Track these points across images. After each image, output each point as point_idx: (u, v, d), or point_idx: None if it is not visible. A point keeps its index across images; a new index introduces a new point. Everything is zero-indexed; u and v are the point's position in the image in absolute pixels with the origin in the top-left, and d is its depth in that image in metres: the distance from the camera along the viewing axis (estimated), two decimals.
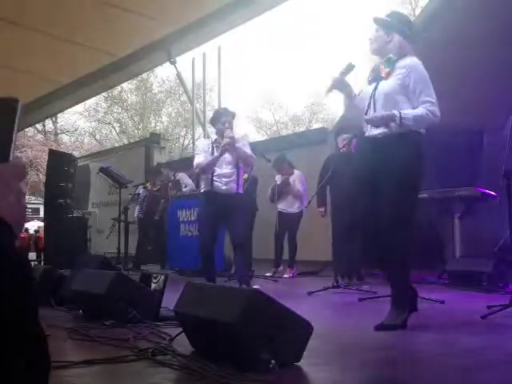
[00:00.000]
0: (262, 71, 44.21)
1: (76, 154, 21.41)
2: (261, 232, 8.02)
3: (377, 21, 3.57)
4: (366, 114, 3.49)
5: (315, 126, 31.17)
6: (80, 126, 32.14)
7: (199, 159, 5.30)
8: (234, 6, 7.13)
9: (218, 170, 5.26)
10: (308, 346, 2.43)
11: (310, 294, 5.31)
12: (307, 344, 2.42)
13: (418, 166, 3.41)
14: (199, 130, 11.99)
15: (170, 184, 9.21)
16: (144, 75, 28.10)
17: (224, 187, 5.25)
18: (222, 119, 5.29)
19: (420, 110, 3.32)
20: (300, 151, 9.61)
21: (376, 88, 3.50)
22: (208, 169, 5.22)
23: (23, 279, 0.74)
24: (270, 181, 8.01)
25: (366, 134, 3.57)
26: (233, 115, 5.36)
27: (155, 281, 3.70)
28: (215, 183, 5.25)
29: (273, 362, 2.20)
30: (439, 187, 6.56)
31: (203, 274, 5.28)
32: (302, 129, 30.80)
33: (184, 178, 9.18)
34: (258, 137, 31.33)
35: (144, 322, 3.29)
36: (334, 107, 32.82)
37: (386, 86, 3.45)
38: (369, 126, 3.52)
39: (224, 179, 5.26)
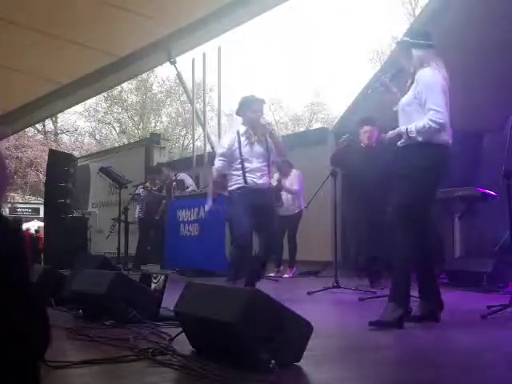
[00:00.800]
0: (262, 71, 44.23)
1: (76, 154, 21.41)
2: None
3: (398, 44, 3.91)
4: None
5: (315, 125, 31.17)
6: (80, 125, 32.20)
7: (219, 164, 5.01)
8: (233, 5, 7.12)
9: (249, 165, 4.92)
10: (308, 346, 2.43)
11: (310, 293, 5.31)
12: (307, 344, 2.42)
13: (429, 175, 3.53)
14: (199, 130, 11.98)
15: (174, 184, 9.20)
16: (144, 75, 28.13)
17: (260, 182, 4.94)
18: (253, 107, 4.94)
19: (422, 122, 3.46)
20: (300, 151, 9.61)
21: (400, 103, 3.70)
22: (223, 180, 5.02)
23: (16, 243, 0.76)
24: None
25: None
26: (263, 102, 5.04)
27: (155, 281, 3.70)
28: (249, 179, 4.91)
29: (273, 361, 2.20)
30: (439, 187, 6.56)
31: (234, 276, 4.85)
32: (302, 129, 30.80)
33: (187, 178, 9.18)
34: None
35: (144, 322, 3.29)
36: (334, 107, 32.90)
37: (404, 100, 3.65)
38: None
39: (258, 173, 4.94)
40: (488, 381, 2.26)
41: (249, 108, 4.94)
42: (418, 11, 23.03)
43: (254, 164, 4.93)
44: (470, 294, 5.23)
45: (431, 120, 3.42)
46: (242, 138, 4.95)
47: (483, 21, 7.08)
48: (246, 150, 4.95)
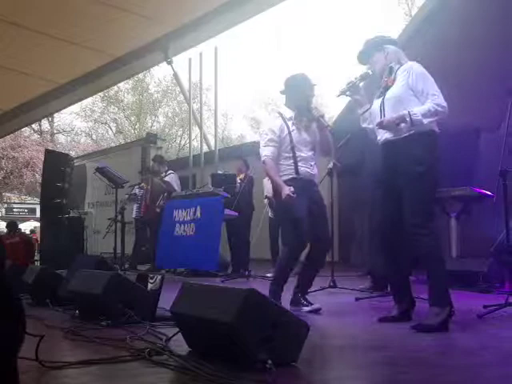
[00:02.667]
0: (259, 71, 44.26)
1: (72, 153, 21.39)
2: (259, 232, 8.04)
3: (363, 52, 3.79)
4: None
5: None
6: (76, 125, 32.16)
7: (271, 150, 4.29)
8: (230, 5, 7.12)
9: (300, 154, 4.31)
10: (305, 346, 2.43)
11: (307, 293, 5.30)
12: (304, 344, 2.43)
13: (433, 164, 3.48)
14: (196, 130, 11.99)
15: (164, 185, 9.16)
16: (140, 75, 28.15)
17: (313, 172, 4.37)
18: (306, 88, 4.38)
19: (427, 105, 3.42)
20: None
21: (384, 97, 3.64)
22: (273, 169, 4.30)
23: None
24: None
25: (378, 139, 3.69)
26: (315, 85, 4.47)
27: (152, 281, 3.70)
28: (302, 168, 4.30)
29: (269, 362, 2.20)
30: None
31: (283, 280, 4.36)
32: None
33: (173, 181, 9.09)
34: (254, 137, 31.32)
35: (140, 323, 3.29)
36: (332, 106, 32.90)
37: (393, 90, 3.59)
38: (381, 132, 3.64)
39: (310, 162, 4.35)
40: (485, 380, 2.26)
41: (300, 89, 4.36)
42: (414, 11, 23.05)
43: (305, 152, 4.33)
44: (466, 294, 5.23)
45: (435, 104, 3.40)
46: (289, 123, 4.35)
47: (479, 20, 7.11)
48: (295, 136, 4.33)
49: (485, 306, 3.93)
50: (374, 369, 2.47)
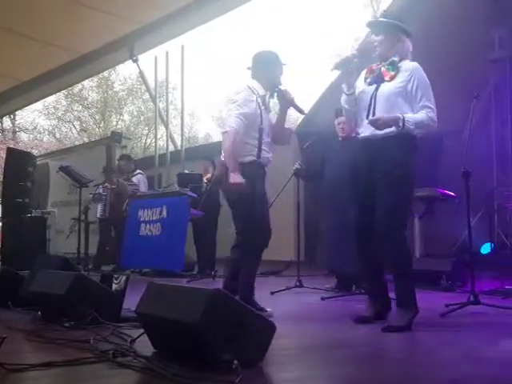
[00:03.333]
0: (225, 71, 44.12)
1: (35, 152, 20.99)
2: (224, 231, 8.00)
3: (376, 24, 3.62)
4: (367, 116, 3.49)
5: None
6: (39, 123, 31.52)
7: (239, 123, 3.84)
8: (197, 4, 7.10)
9: (265, 138, 3.96)
10: (271, 346, 2.43)
11: (272, 293, 5.32)
12: (270, 344, 2.43)
13: (412, 168, 3.48)
14: (162, 129, 11.90)
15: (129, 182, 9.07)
16: (105, 73, 27.72)
17: (271, 159, 4.04)
18: (279, 67, 4.07)
19: (421, 116, 3.38)
20: None
21: (377, 90, 3.49)
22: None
23: None
24: None
25: (361, 136, 3.59)
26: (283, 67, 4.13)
27: (116, 281, 3.65)
28: (263, 153, 3.97)
29: (235, 362, 2.19)
30: None
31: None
32: None
33: (141, 182, 9.00)
34: (221, 137, 31.21)
35: (105, 324, 3.24)
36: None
37: (388, 88, 3.46)
38: (365, 127, 3.52)
39: (270, 148, 4.04)
40: (447, 378, 2.30)
41: (271, 67, 4.03)
42: (379, 14, 23.34)
43: (267, 137, 3.99)
44: (429, 293, 5.31)
45: (430, 117, 3.39)
46: (260, 102, 3.96)
47: (443, 23, 7.23)
48: (264, 117, 3.97)
49: (447, 305, 4.00)
50: (339, 368, 2.48)
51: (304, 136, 8.89)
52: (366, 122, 3.49)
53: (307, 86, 44.35)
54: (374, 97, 3.48)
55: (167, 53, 10.25)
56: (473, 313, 3.87)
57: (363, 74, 3.64)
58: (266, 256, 8.12)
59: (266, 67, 4.03)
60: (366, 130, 3.53)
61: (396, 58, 3.48)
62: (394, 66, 3.47)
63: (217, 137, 29.32)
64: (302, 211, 6.31)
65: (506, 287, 5.10)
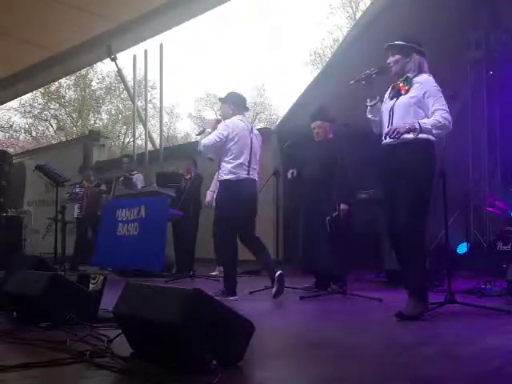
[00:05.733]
0: (204, 70, 44.03)
1: (11, 151, 20.70)
2: (204, 231, 7.98)
3: (394, 47, 3.98)
4: (387, 125, 3.87)
5: (258, 126, 31.30)
6: (15, 122, 31.10)
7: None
8: (176, 3, 7.07)
9: None
10: (250, 346, 2.42)
11: (251, 293, 5.32)
12: (249, 343, 2.42)
13: (431, 171, 3.83)
14: (140, 128, 11.83)
15: (121, 179, 9.02)
16: (83, 71, 27.45)
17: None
18: (244, 108, 5.28)
19: (436, 118, 3.70)
20: None
21: (395, 103, 3.90)
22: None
23: None
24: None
25: (383, 143, 3.94)
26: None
27: (93, 281, 3.62)
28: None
29: (214, 362, 2.18)
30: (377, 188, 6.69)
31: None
32: None
33: (139, 182, 8.99)
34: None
35: (82, 324, 3.21)
36: (277, 107, 33.14)
37: (404, 99, 3.86)
38: (385, 135, 3.89)
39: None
40: (424, 376, 2.32)
41: (240, 107, 5.16)
42: (358, 15, 23.50)
43: None
44: (406, 292, 5.35)
45: (444, 118, 3.68)
46: None
47: (423, 24, 7.29)
48: None
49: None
50: (317, 367, 2.49)
51: (284, 135, 8.91)
52: (387, 130, 3.85)
53: (286, 85, 44.50)
54: (392, 109, 3.90)
55: (146, 51, 10.19)
56: (449, 312, 3.91)
57: (389, 90, 4.06)
58: (245, 256, 8.14)
59: (239, 105, 5.21)
60: (387, 138, 3.85)
61: (410, 75, 3.90)
62: (408, 81, 3.88)
63: (196, 136, 29.22)
64: (281, 210, 6.31)
65: (482, 286, 5.17)
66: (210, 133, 5.06)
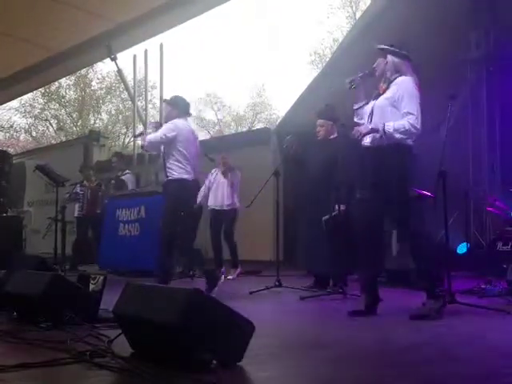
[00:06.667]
0: (205, 70, 43.99)
1: (11, 151, 20.70)
2: (204, 231, 7.97)
3: (378, 50, 4.11)
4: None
5: (258, 126, 31.29)
6: (15, 122, 31.09)
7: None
8: (176, 3, 7.06)
9: None
10: (250, 346, 2.43)
11: (251, 293, 5.32)
12: (249, 343, 2.42)
13: (404, 174, 3.90)
14: (140, 128, 11.80)
15: (112, 182, 9.02)
16: (83, 71, 27.45)
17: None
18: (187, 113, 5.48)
19: (403, 122, 3.80)
20: (243, 151, 9.63)
21: (375, 103, 4.03)
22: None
23: None
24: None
25: (364, 143, 4.03)
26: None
27: (93, 281, 3.62)
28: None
29: (214, 362, 2.18)
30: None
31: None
32: (244, 129, 30.83)
33: (129, 181, 8.97)
34: (200, 136, 31.11)
35: (82, 324, 3.21)
36: (277, 107, 33.14)
37: (381, 100, 3.98)
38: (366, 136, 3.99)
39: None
40: (424, 376, 2.32)
41: (184, 111, 5.37)
42: (358, 14, 23.49)
43: None
44: (406, 292, 5.36)
45: (411, 124, 3.78)
46: None
47: (423, 22, 7.29)
48: None
49: (424, 304, 4.03)
50: (316, 367, 2.49)
51: (283, 136, 8.90)
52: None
53: (286, 85, 44.50)
54: (372, 109, 4.02)
55: (146, 51, 10.17)
56: (449, 312, 3.91)
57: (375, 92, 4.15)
58: (245, 256, 8.16)
59: (182, 108, 5.40)
60: (366, 138, 3.99)
61: (389, 75, 4.00)
62: (387, 83, 4.00)
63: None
64: (281, 210, 6.30)
65: (482, 286, 5.17)
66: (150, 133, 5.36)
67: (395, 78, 3.96)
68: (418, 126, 3.82)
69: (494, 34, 8.02)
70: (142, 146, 5.53)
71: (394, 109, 3.87)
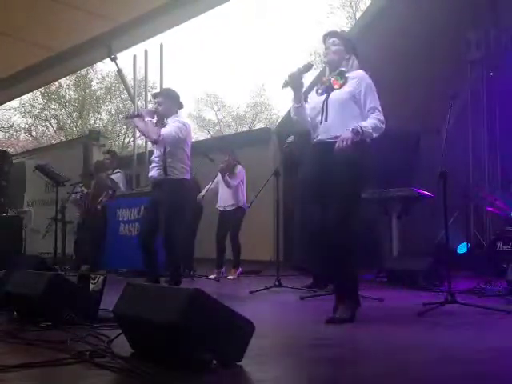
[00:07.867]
0: (205, 70, 44.01)
1: (11, 150, 20.70)
2: (204, 231, 7.98)
3: (338, 34, 3.93)
4: (320, 121, 3.75)
5: (258, 125, 31.29)
6: (15, 122, 31.10)
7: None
8: (176, 3, 7.05)
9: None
10: (250, 345, 2.42)
11: (251, 293, 5.32)
12: (249, 343, 2.42)
13: (364, 172, 3.70)
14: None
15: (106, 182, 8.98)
16: (83, 71, 27.46)
17: (150, 174, 5.22)
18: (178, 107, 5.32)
19: (372, 121, 3.63)
20: (243, 151, 9.62)
21: (327, 97, 3.75)
22: None
23: None
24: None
25: (316, 140, 3.79)
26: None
27: (94, 281, 3.62)
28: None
29: (214, 362, 2.18)
30: (378, 188, 6.70)
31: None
32: (245, 128, 30.84)
33: (120, 181, 8.91)
34: (201, 136, 31.15)
35: (82, 324, 3.21)
36: (277, 107, 33.13)
37: (338, 94, 3.73)
38: (319, 132, 3.76)
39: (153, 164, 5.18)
40: (424, 376, 2.32)
41: (180, 105, 5.28)
42: (358, 14, 23.48)
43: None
44: (406, 292, 5.37)
45: (379, 120, 3.63)
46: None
47: (422, 25, 7.29)
48: None
49: (424, 304, 4.04)
50: (316, 368, 2.49)
51: (283, 136, 8.90)
52: (321, 126, 3.75)
53: None
54: (325, 104, 3.74)
55: (146, 51, 10.18)
56: (449, 312, 3.91)
57: (316, 87, 3.95)
58: (245, 256, 8.15)
59: (175, 102, 5.27)
60: (321, 134, 3.75)
61: (344, 69, 3.81)
62: (342, 76, 3.78)
63: (196, 136, 29.25)
64: (281, 210, 6.30)
65: (482, 286, 5.17)
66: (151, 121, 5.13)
67: (350, 72, 3.79)
68: (384, 121, 3.65)
69: (493, 34, 8.03)
70: (155, 141, 5.04)
71: (353, 104, 3.68)
